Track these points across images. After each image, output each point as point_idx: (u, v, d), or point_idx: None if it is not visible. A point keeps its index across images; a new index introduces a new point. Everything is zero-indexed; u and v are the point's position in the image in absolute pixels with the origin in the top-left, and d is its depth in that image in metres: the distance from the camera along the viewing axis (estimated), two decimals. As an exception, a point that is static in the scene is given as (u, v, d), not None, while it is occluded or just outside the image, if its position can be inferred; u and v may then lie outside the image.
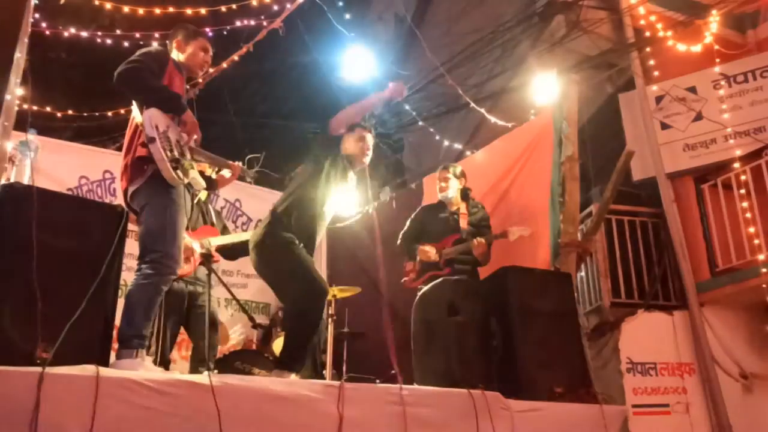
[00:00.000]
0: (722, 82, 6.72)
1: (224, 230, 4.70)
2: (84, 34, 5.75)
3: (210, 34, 5.44)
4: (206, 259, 4.15)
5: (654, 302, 6.52)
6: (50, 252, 2.74)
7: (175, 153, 3.21)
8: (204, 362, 4.06)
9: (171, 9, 5.61)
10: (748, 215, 5.99)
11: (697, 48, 6.71)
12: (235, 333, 5.52)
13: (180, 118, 3.36)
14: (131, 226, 3.23)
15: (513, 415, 3.56)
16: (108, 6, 5.44)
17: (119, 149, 3.56)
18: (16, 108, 3.33)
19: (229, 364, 4.22)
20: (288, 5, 5.97)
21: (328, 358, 4.70)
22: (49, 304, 2.63)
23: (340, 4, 6.56)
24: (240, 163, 4.09)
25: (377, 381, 3.40)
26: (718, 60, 6.73)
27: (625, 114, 7.10)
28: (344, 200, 4.18)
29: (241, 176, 4.14)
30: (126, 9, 5.49)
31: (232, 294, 4.48)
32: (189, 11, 5.65)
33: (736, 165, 6.23)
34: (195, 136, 3.46)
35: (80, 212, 3.01)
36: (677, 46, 6.73)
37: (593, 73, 6.93)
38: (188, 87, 5.91)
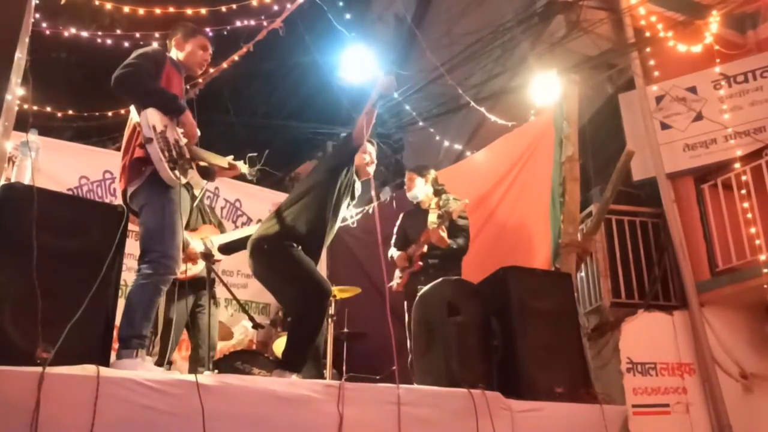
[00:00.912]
0: (722, 82, 6.72)
1: (220, 226, 4.71)
2: (84, 34, 5.75)
3: (210, 34, 5.45)
4: (207, 259, 4.15)
5: (654, 302, 6.52)
6: (51, 252, 2.74)
7: (173, 153, 3.21)
8: (204, 362, 4.07)
9: (171, 9, 5.61)
10: (749, 215, 6.00)
11: (697, 48, 6.71)
12: (236, 333, 5.52)
13: (179, 118, 3.36)
14: (131, 226, 3.23)
15: (513, 414, 3.56)
16: (108, 6, 5.44)
17: (119, 149, 3.55)
18: (17, 108, 3.33)
19: (230, 364, 4.22)
20: (288, 5, 5.97)
21: (329, 358, 4.70)
22: (49, 304, 2.62)
23: (340, 4, 6.57)
24: (240, 162, 4.08)
25: (377, 377, 3.39)
26: (718, 60, 6.73)
27: (625, 114, 7.10)
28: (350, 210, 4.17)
29: (242, 174, 4.14)
30: (126, 9, 5.49)
31: (232, 294, 4.48)
32: (189, 11, 5.65)
33: (737, 165, 6.23)
34: (194, 136, 3.45)
35: (81, 212, 3.00)
36: (677, 47, 6.74)
37: (593, 73, 6.93)
38: (188, 87, 5.92)
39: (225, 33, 5.79)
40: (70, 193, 5.45)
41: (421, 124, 7.72)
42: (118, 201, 3.39)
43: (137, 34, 5.57)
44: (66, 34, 5.68)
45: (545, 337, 4.02)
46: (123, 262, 3.08)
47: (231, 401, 2.81)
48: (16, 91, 3.18)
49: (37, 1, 3.60)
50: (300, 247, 3.68)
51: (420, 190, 5.06)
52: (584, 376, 4.16)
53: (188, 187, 3.44)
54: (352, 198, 4.10)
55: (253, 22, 6.03)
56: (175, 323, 4.12)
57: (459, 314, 3.90)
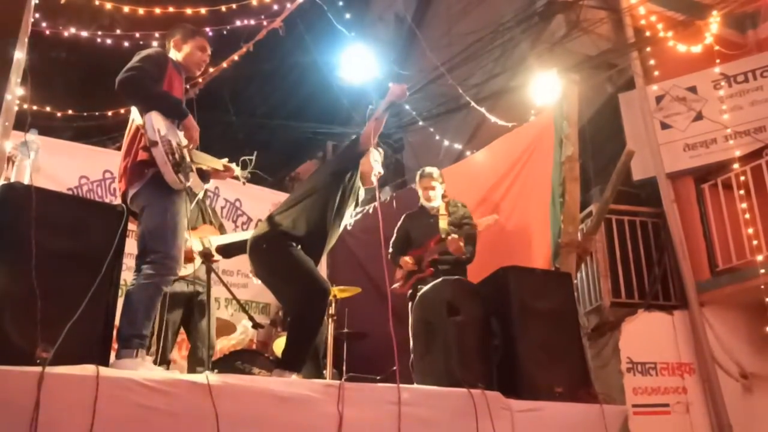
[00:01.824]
0: (722, 82, 6.72)
1: (221, 228, 4.71)
2: (84, 33, 5.75)
3: (210, 33, 5.44)
4: (206, 258, 4.15)
5: (654, 302, 6.52)
6: (50, 252, 2.74)
7: (177, 157, 3.22)
8: (203, 362, 4.06)
9: (171, 9, 5.61)
10: (748, 216, 6.00)
11: (697, 48, 6.71)
12: (236, 332, 5.52)
13: (182, 123, 3.36)
14: (131, 226, 3.23)
15: (513, 414, 3.56)
16: (108, 6, 5.43)
17: (119, 149, 3.55)
18: (16, 108, 3.33)
19: (229, 363, 4.22)
20: (288, 5, 5.98)
21: (329, 358, 4.69)
22: (49, 304, 2.62)
23: (340, 3, 6.56)
24: (234, 165, 4.09)
25: (378, 378, 3.39)
26: (718, 60, 6.73)
27: (626, 114, 7.10)
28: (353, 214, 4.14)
29: (235, 177, 4.14)
30: (126, 9, 5.48)
31: (232, 294, 4.48)
32: (189, 11, 5.64)
33: (736, 165, 6.23)
34: (195, 140, 3.45)
35: (80, 212, 3.00)
36: (677, 46, 6.74)
37: (593, 73, 6.93)
38: (188, 87, 5.91)
39: (225, 33, 5.79)
40: (70, 193, 5.44)
41: (421, 123, 7.71)
42: (119, 201, 3.39)
43: (137, 34, 5.57)
44: (66, 34, 5.68)
45: (545, 336, 4.01)
46: (123, 261, 3.08)
47: (231, 401, 2.81)
48: (16, 90, 3.18)
49: (37, 1, 3.59)
50: (299, 247, 3.67)
51: (438, 199, 5.04)
52: (584, 376, 4.16)
53: (188, 189, 3.44)
54: (356, 204, 4.09)
55: (253, 22, 6.03)
56: (172, 322, 4.11)
57: (459, 314, 3.90)
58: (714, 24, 6.66)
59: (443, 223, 4.87)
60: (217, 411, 2.72)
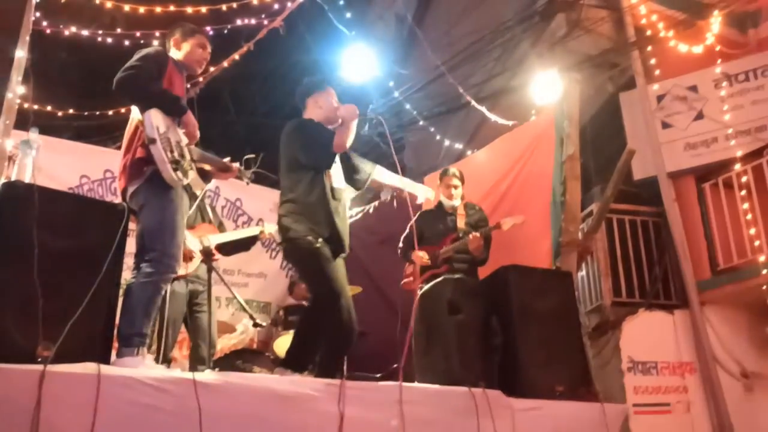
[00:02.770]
0: (723, 82, 6.71)
1: (220, 226, 4.71)
2: (85, 32, 5.75)
3: (210, 32, 5.44)
4: (206, 257, 4.15)
5: (655, 301, 6.51)
6: (52, 250, 2.74)
7: (175, 154, 3.21)
8: (204, 361, 4.06)
9: (172, 8, 5.61)
10: (749, 216, 5.99)
11: (698, 47, 6.70)
12: (237, 332, 5.52)
13: (181, 119, 3.36)
14: (131, 224, 3.24)
15: (514, 413, 3.56)
16: (109, 5, 5.43)
17: (120, 148, 3.55)
18: (17, 106, 3.34)
19: (230, 362, 4.22)
20: (289, 4, 5.97)
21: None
22: (50, 303, 2.63)
23: (341, 3, 6.56)
24: (237, 164, 4.08)
25: (377, 376, 3.39)
26: (719, 59, 6.72)
27: (626, 113, 7.09)
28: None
29: (239, 176, 4.14)
30: (127, 8, 5.48)
31: (233, 292, 4.48)
32: (189, 10, 5.64)
33: (737, 164, 6.23)
34: (195, 137, 3.46)
35: (81, 211, 3.02)
36: (678, 46, 6.73)
37: (594, 73, 6.92)
38: (188, 86, 5.91)
39: (225, 32, 5.78)
40: (71, 192, 5.44)
41: (421, 123, 7.72)
42: (119, 200, 3.39)
43: (138, 33, 5.57)
44: (66, 33, 5.67)
45: (546, 335, 4.02)
46: (123, 260, 3.08)
47: (231, 399, 2.81)
48: (17, 89, 3.19)
49: (38, 0, 3.59)
50: (322, 242, 3.59)
51: (459, 195, 5.03)
52: (585, 375, 4.16)
53: (188, 187, 3.44)
54: (353, 172, 4.02)
55: (253, 21, 6.03)
56: (172, 321, 4.11)
57: (460, 313, 3.90)
58: (715, 23, 6.65)
59: (461, 223, 4.88)
60: (219, 409, 2.72)
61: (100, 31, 5.77)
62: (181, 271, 4.07)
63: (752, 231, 5.93)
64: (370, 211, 6.75)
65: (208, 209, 4.70)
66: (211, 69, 6.22)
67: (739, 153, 6.28)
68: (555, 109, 5.33)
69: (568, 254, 4.90)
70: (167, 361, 4.03)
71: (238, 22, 5.97)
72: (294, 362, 3.49)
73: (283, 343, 4.93)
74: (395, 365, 3.34)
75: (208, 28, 5.41)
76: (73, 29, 5.70)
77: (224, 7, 5.81)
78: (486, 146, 6.17)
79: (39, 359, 2.50)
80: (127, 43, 5.68)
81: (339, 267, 3.69)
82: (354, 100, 4.08)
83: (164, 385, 2.67)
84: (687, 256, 6.30)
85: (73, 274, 2.82)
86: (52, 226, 2.81)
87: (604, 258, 6.57)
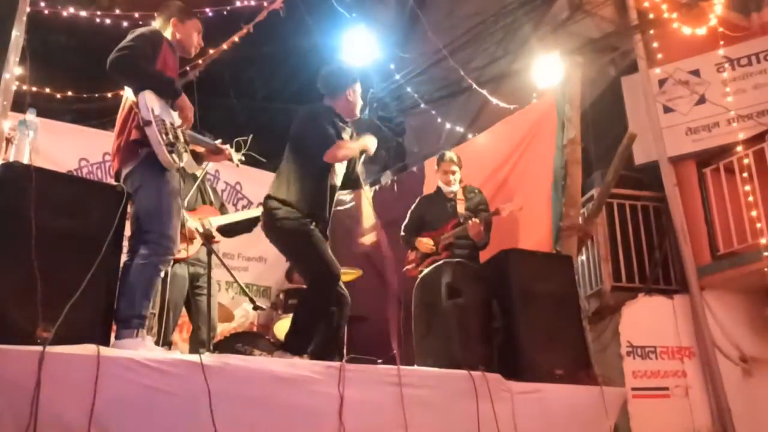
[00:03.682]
0: (726, 65, 6.67)
1: (222, 208, 4.69)
2: (83, 13, 5.70)
3: (210, 14, 5.41)
4: (207, 239, 4.14)
5: (655, 286, 6.52)
6: (50, 232, 2.73)
7: (170, 137, 3.19)
8: (204, 344, 4.07)
9: (171, -12, 5.55)
10: (750, 199, 5.98)
11: (700, 31, 6.65)
12: (237, 315, 5.53)
13: (174, 102, 3.33)
14: (129, 207, 3.22)
15: (513, 396, 3.58)
16: (107, -15, 5.40)
17: (119, 131, 3.51)
18: (15, 88, 3.32)
19: (230, 345, 4.22)
20: (289, -15, 5.93)
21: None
22: (49, 284, 2.62)
23: (342, -16, 6.51)
24: (228, 146, 4.06)
25: (379, 362, 3.40)
26: (721, 43, 6.68)
27: (628, 97, 7.06)
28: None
29: (229, 158, 4.13)
30: (125, -11, 5.45)
31: (233, 276, 4.47)
32: (189, -9, 5.59)
33: (739, 149, 6.21)
34: (189, 120, 3.43)
35: (80, 192, 2.99)
36: (681, 29, 6.68)
37: (596, 56, 6.89)
38: (188, 68, 5.88)
39: (225, 14, 5.74)
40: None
41: (422, 107, 7.69)
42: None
43: (136, 14, 5.52)
44: (65, 14, 5.63)
45: (546, 319, 4.02)
46: (123, 242, 3.07)
47: (231, 381, 2.82)
48: (14, 70, 3.16)
49: (35, -20, 3.56)
50: (313, 223, 3.63)
51: (458, 180, 5.04)
52: (584, 359, 4.17)
53: (182, 170, 3.42)
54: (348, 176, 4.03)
55: (253, 3, 5.98)
56: (173, 304, 4.11)
57: (460, 296, 3.90)
58: (718, 6, 6.60)
59: (461, 208, 4.89)
60: (218, 391, 2.72)
61: (99, 12, 5.72)
62: (182, 254, 4.07)
63: (753, 213, 5.93)
64: (371, 194, 6.73)
65: (209, 191, 4.69)
66: (211, 52, 6.19)
67: (741, 137, 6.26)
68: (556, 93, 5.30)
69: (568, 238, 4.89)
70: (167, 344, 4.03)
71: (238, 3, 5.92)
72: (293, 345, 3.50)
73: (283, 327, 4.93)
74: (395, 350, 3.34)
75: (207, 10, 5.37)
76: (72, 10, 5.66)
77: (224, -11, 5.77)
78: (487, 130, 6.15)
79: (39, 341, 2.50)
80: (125, 24, 5.63)
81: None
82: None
83: (164, 366, 2.67)
84: (687, 241, 6.30)
85: (73, 256, 2.81)
86: (51, 207, 2.79)
87: (605, 242, 6.57)
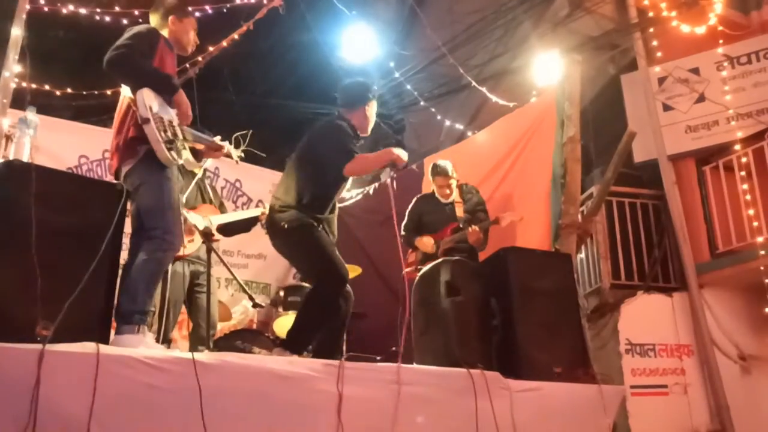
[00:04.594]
0: (725, 64, 6.68)
1: (221, 207, 4.70)
2: (83, 11, 5.69)
3: (209, 11, 5.39)
4: (206, 237, 4.14)
5: (654, 284, 6.54)
6: (50, 229, 2.73)
7: (169, 134, 3.20)
8: (204, 341, 4.07)
9: (170, -14, 5.53)
10: (749, 197, 5.99)
11: (700, 29, 6.65)
12: (236, 313, 5.53)
13: (173, 99, 3.33)
14: (129, 205, 3.22)
15: (512, 394, 3.57)
16: (107, -17, 5.38)
17: (118, 129, 3.51)
18: (14, 85, 3.31)
19: (230, 342, 4.23)
20: (288, -17, 5.91)
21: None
22: (49, 282, 2.62)
23: (341, -19, 6.49)
24: (227, 143, 4.06)
25: (377, 359, 3.40)
26: (721, 41, 6.68)
27: (628, 95, 7.07)
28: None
29: (227, 154, 4.13)
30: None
31: (232, 273, 4.48)
32: (188, -12, 5.58)
33: (738, 147, 6.21)
34: (187, 117, 3.43)
35: (80, 190, 2.99)
36: (680, 27, 6.68)
37: (596, 54, 6.89)
38: (188, 65, 5.87)
39: (225, 11, 5.73)
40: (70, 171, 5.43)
41: (422, 104, 7.68)
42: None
43: (136, 12, 5.51)
44: (64, 11, 5.62)
45: (545, 317, 4.02)
46: (122, 240, 3.07)
47: (230, 379, 2.82)
48: (14, 67, 3.16)
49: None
50: (320, 226, 3.66)
51: (454, 191, 5.06)
52: (583, 357, 4.17)
53: (181, 167, 3.42)
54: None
55: (252, 0, 5.97)
56: (173, 302, 4.12)
57: (459, 294, 3.90)
58: (717, 5, 6.60)
59: (460, 211, 4.90)
60: (217, 389, 2.73)
61: (98, 9, 5.71)
62: (182, 251, 4.08)
63: (751, 212, 5.93)
64: (371, 192, 6.73)
65: (209, 189, 4.69)
66: (210, 48, 6.18)
67: (740, 135, 6.27)
68: (556, 91, 5.30)
69: (567, 236, 4.89)
70: (167, 341, 4.04)
71: (238, 0, 5.91)
72: (293, 343, 3.50)
73: (282, 324, 4.94)
74: (394, 348, 3.35)
75: (207, 7, 5.36)
76: (71, 7, 5.65)
77: (223, -14, 5.75)
78: (487, 127, 6.15)
79: (38, 338, 2.50)
80: (125, 21, 5.62)
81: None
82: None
83: (163, 364, 2.67)
84: (686, 239, 6.31)
85: (72, 254, 2.80)
86: (51, 205, 2.79)
87: (604, 240, 6.58)
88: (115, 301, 3.03)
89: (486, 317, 3.99)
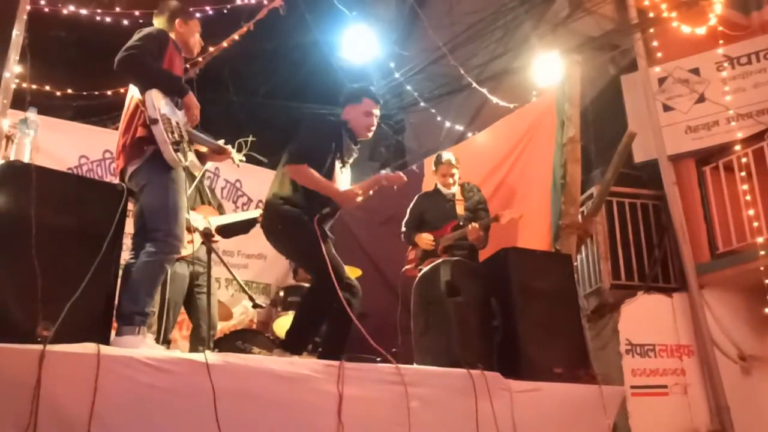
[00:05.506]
0: (725, 64, 6.67)
1: (220, 208, 4.70)
2: (84, 11, 5.70)
3: (210, 12, 5.40)
4: (206, 238, 4.15)
5: (654, 284, 6.53)
6: (51, 230, 2.74)
7: (176, 135, 3.21)
8: (205, 342, 4.08)
9: (171, -14, 5.54)
10: (749, 197, 5.99)
11: (700, 29, 6.65)
12: (236, 313, 5.54)
13: (181, 100, 3.34)
14: (129, 205, 3.23)
15: (512, 395, 3.57)
16: (108, -17, 5.39)
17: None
18: (15, 86, 3.32)
19: (230, 343, 4.23)
20: (289, -16, 5.92)
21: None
22: (49, 283, 2.62)
23: (342, -18, 6.50)
24: (230, 147, 4.07)
25: (378, 360, 3.40)
26: (721, 41, 6.68)
27: (628, 95, 7.06)
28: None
29: (232, 158, 4.14)
30: (126, -14, 5.44)
31: (232, 274, 4.49)
32: (189, -11, 5.58)
33: (738, 147, 6.21)
34: (195, 119, 3.44)
35: (80, 191, 3.00)
36: (681, 28, 6.68)
37: (596, 54, 6.89)
38: (188, 66, 5.88)
39: (226, 12, 5.74)
40: (70, 172, 5.43)
41: (422, 104, 7.68)
42: (118, 180, 3.38)
43: (137, 12, 5.52)
44: (65, 11, 5.62)
45: (545, 317, 4.02)
46: (123, 240, 3.08)
47: (231, 380, 2.82)
48: (14, 68, 3.17)
49: (35, -22, 3.56)
50: (311, 219, 3.60)
51: (457, 181, 5.07)
52: (583, 357, 4.17)
53: (185, 169, 3.43)
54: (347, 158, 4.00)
55: (253, 1, 5.97)
56: (173, 303, 4.12)
57: (459, 294, 3.90)
58: (717, 5, 6.60)
59: (461, 209, 4.91)
60: (217, 390, 2.73)
61: (99, 10, 5.72)
62: (183, 252, 4.08)
63: (751, 212, 5.93)
64: (370, 192, 6.72)
65: (207, 191, 4.70)
66: (211, 49, 6.18)
67: (740, 136, 6.27)
68: (556, 91, 5.30)
69: (567, 237, 4.89)
70: (167, 342, 4.04)
71: (239, 1, 5.92)
72: (291, 344, 3.50)
73: (282, 324, 4.95)
74: (394, 349, 3.34)
75: (207, 8, 5.37)
76: (72, 8, 5.65)
77: (224, -13, 5.76)
78: (487, 128, 6.15)
79: (39, 339, 2.50)
80: (126, 22, 5.63)
81: None
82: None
83: (164, 365, 2.68)
84: (686, 240, 6.31)
85: (73, 255, 2.81)
86: (51, 206, 2.80)
87: (604, 241, 6.57)
88: (116, 302, 3.03)
89: (486, 317, 3.99)
